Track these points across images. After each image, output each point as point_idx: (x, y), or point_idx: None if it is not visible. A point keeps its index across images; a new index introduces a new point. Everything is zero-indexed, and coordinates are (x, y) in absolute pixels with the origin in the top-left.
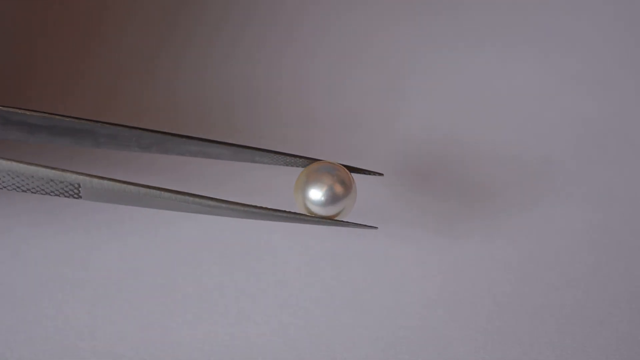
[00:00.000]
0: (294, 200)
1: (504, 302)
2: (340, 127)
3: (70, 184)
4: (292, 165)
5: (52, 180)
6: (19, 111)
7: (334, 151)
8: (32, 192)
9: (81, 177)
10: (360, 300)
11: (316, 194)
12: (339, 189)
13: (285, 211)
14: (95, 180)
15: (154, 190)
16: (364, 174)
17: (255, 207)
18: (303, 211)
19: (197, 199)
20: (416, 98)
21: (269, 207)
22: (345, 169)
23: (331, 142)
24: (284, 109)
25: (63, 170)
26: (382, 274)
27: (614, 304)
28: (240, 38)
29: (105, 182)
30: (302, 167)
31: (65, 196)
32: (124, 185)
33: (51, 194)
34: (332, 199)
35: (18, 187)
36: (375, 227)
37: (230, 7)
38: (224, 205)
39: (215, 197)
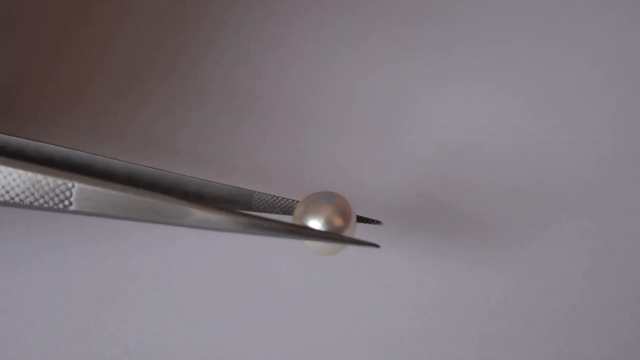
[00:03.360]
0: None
1: (498, 307)
2: (337, 158)
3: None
4: (288, 213)
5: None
6: (13, 139)
7: (331, 183)
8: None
9: (76, 177)
10: (354, 305)
11: (315, 225)
12: (339, 222)
13: (288, 224)
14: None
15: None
16: (363, 222)
17: (259, 218)
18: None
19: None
20: (413, 113)
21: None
22: (344, 199)
23: (327, 173)
24: (280, 131)
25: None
26: (376, 279)
27: (608, 310)
28: (234, 48)
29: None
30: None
31: (55, 206)
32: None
33: (39, 202)
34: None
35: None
36: (377, 246)
37: (225, 15)
38: (227, 217)
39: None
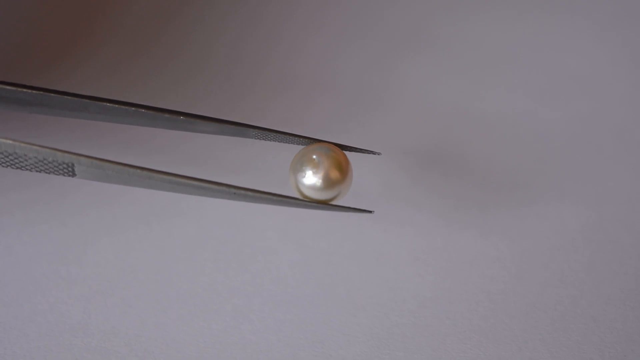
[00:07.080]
0: (289, 180)
1: (498, 299)
2: (338, 104)
3: (64, 163)
4: (288, 143)
5: (45, 159)
6: (11, 87)
7: (331, 129)
8: (26, 170)
9: (74, 157)
10: (354, 298)
11: (311, 178)
12: (334, 173)
13: (277, 194)
14: (88, 160)
15: (146, 172)
16: (361, 152)
17: (246, 189)
18: (297, 193)
19: (187, 180)
20: (416, 78)
21: (261, 188)
22: (342, 152)
23: (328, 119)
24: (280, 84)
25: (55, 149)
26: (376, 272)
27: (608, 302)
28: (236, 12)
29: (97, 162)
30: (298, 145)
31: (60, 174)
32: (116, 166)
33: (46, 171)
34: (328, 183)
35: (12, 165)
36: (371, 211)
37: None
38: (214, 186)
39: (206, 177)
